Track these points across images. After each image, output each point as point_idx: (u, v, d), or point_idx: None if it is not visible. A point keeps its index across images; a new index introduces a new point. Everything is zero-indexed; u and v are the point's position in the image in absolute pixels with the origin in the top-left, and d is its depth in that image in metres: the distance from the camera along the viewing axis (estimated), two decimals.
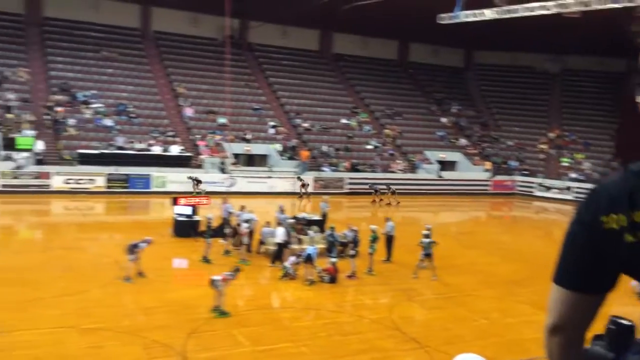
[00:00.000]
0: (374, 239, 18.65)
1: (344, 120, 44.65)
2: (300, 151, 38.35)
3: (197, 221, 21.54)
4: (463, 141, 47.73)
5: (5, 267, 16.60)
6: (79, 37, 41.21)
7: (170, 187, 31.71)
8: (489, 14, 31.67)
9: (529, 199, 42.08)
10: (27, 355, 10.89)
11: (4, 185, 28.80)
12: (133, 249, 15.83)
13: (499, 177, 43.92)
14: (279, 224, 19.79)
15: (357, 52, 52.52)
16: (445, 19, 33.47)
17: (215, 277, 13.90)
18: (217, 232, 21.02)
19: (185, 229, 21.25)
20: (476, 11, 31.98)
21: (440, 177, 41.69)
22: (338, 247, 18.18)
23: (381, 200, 34.50)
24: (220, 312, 13.67)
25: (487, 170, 44.23)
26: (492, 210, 38.35)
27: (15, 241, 21.46)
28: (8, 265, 16.87)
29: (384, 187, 35.10)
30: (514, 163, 46.11)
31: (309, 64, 49.57)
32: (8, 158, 29.70)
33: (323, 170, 38.02)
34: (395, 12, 39.00)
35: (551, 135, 48.89)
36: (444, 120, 49.80)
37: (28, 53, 38.82)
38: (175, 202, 21.66)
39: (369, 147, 42.74)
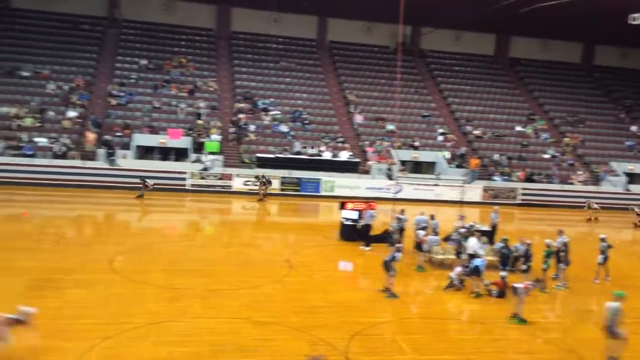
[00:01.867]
0: (549, 254, 17.53)
1: (518, 128, 42.57)
2: (469, 159, 37.28)
3: (364, 226, 21.89)
4: None
5: (193, 258, 18.37)
6: (261, 49, 44.26)
7: (338, 192, 32.66)
8: None
9: None
10: (208, 341, 11.93)
11: (192, 185, 31.84)
12: (389, 263, 15.67)
13: None
14: (460, 233, 19.37)
15: (536, 55, 49.89)
16: (638, 19, 30.42)
17: (517, 285, 14.27)
18: (382, 238, 21.24)
19: (351, 233, 21.73)
20: None
21: (628, 190, 37.89)
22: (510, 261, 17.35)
23: (596, 219, 32.10)
24: (519, 320, 14.07)
25: None
26: None
27: (201, 236, 23.58)
28: (195, 257, 18.63)
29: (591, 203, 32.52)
30: None
31: (483, 69, 48.09)
32: (197, 160, 32.78)
33: (493, 180, 36.58)
34: (580, 13, 36.37)
35: None
36: (633, 128, 45.22)
37: (217, 65, 42.56)
38: (342, 206, 22.24)
39: (546, 156, 40.24)
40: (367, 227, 21.44)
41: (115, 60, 39.90)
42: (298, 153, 34.81)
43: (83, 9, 41.77)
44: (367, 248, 20.80)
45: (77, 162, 30.60)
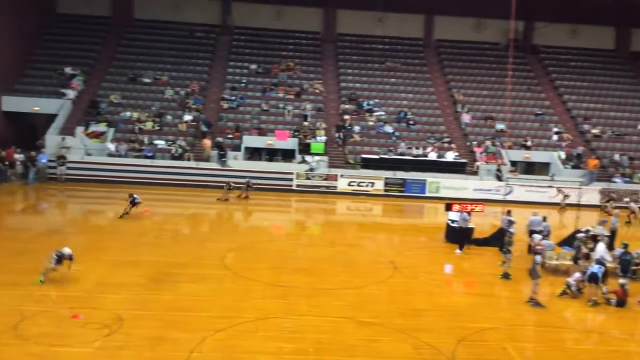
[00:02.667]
0: None
1: None
2: (586, 159, 35.15)
3: (471, 228, 21.34)
4: None
5: (298, 257, 18.81)
6: (366, 50, 44.31)
7: (443, 193, 32.01)
8: None
9: None
10: (312, 339, 12.17)
11: (297, 185, 32.53)
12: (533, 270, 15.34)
13: None
14: (579, 238, 18.47)
15: None
16: None
17: None
18: (490, 241, 20.60)
19: (458, 235, 21.22)
20: None
21: None
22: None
23: None
24: None
25: None
26: None
27: (308, 236, 24.04)
28: (301, 256, 19.08)
29: None
30: None
31: (602, 64, 45.13)
32: (303, 161, 33.46)
33: (614, 182, 34.23)
34: None
35: None
36: None
37: (323, 67, 43.18)
38: (449, 207, 21.76)
39: None
40: (463, 230, 20.56)
41: (227, 66, 41.66)
42: (402, 154, 34.51)
43: (198, 18, 43.93)
44: (459, 251, 20.08)
45: (192, 163, 32.28)
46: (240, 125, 35.59)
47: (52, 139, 32.29)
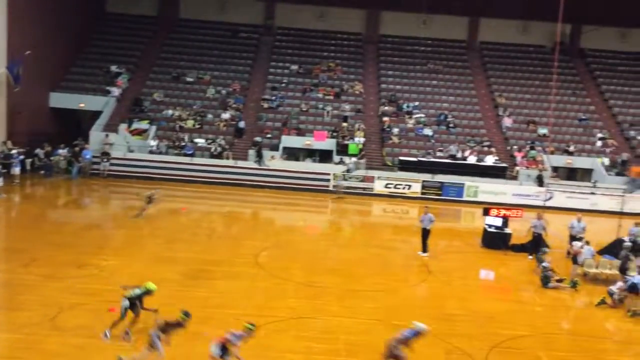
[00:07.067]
0: None
1: None
2: (630, 166, 34.11)
3: (509, 234, 21.01)
4: None
5: (331, 258, 18.86)
6: (409, 52, 44.07)
7: (481, 197, 31.55)
8: None
9: None
10: (343, 340, 12.20)
11: (334, 186, 32.56)
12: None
13: None
14: (626, 247, 18.08)
15: None
16: None
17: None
18: (527, 247, 20.25)
19: (495, 240, 20.92)
20: None
21: None
22: None
23: None
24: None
25: None
26: None
27: (342, 237, 24.10)
28: (334, 257, 19.11)
29: None
30: None
31: None
32: (340, 162, 33.48)
33: None
34: None
35: None
36: None
37: (364, 68, 43.11)
38: (486, 212, 21.48)
39: None
40: (426, 231, 19.72)
41: (268, 66, 42.03)
42: (453, 157, 34.19)
43: (241, 18, 44.43)
44: (424, 254, 19.46)
45: (230, 162, 32.69)
46: (280, 125, 35.86)
47: (96, 135, 33.19)
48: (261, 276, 16.12)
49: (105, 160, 31.77)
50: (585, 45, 45.13)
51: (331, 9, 44.31)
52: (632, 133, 38.02)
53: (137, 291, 11.65)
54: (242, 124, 35.33)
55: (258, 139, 34.32)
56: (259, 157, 32.92)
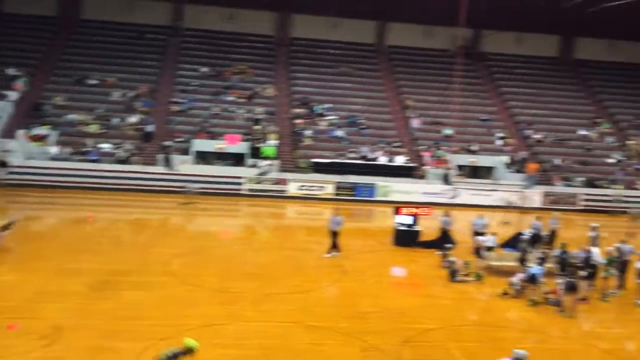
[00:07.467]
0: (610, 262, 16.89)
1: (582, 132, 41.06)
2: (528, 164, 36.25)
3: (418, 231, 21.70)
4: None
5: (246, 262, 18.66)
6: (320, 55, 44.57)
7: (393, 197, 32.40)
8: None
9: None
10: (259, 345, 12.10)
11: (249, 190, 32.32)
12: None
13: None
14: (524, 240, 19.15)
15: (604, 57, 47.91)
16: None
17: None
18: (435, 243, 20.99)
19: (406, 238, 21.53)
20: None
21: None
22: (569, 269, 16.77)
23: None
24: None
25: None
26: None
27: (256, 240, 23.91)
28: (249, 261, 18.92)
29: None
30: None
31: (546, 72, 46.63)
32: (253, 165, 33.28)
33: (554, 185, 35.41)
34: None
35: None
36: None
37: (276, 71, 43.12)
38: (396, 211, 22.07)
39: (610, 160, 38.63)
40: (333, 233, 19.79)
41: (177, 68, 41.11)
42: (364, 157, 34.80)
43: (148, 18, 43.22)
44: (330, 255, 19.55)
45: (138, 167, 31.65)
46: (191, 129, 35.15)
47: None
48: (173, 284, 15.68)
49: (1, 168, 29.82)
50: (486, 49, 47.47)
51: (241, 11, 44.00)
52: (529, 132, 40.37)
53: (174, 350, 9.35)
54: (150, 128, 34.34)
55: (168, 143, 33.47)
56: (167, 161, 32.05)
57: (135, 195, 29.96)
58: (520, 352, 9.57)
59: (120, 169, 31.21)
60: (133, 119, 35.19)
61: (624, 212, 32.23)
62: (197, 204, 28.38)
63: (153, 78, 39.53)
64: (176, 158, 32.52)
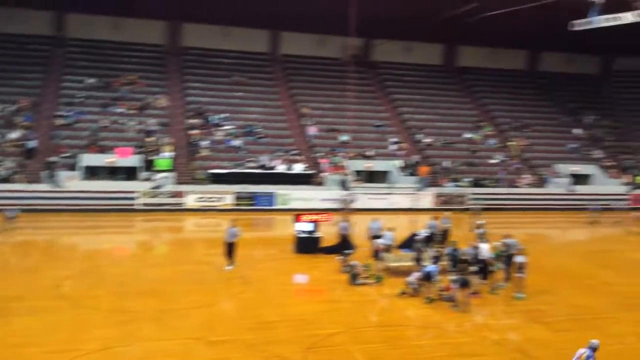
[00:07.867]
0: (498, 256, 17.97)
1: (467, 135, 43.50)
2: (420, 167, 37.86)
3: (318, 238, 21.99)
4: (598, 153, 44.50)
5: (143, 280, 18.02)
6: (213, 64, 44.08)
7: (293, 205, 32.63)
8: (629, 17, 29.14)
9: None
10: None
11: (144, 204, 31.26)
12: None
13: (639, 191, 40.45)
14: (419, 240, 19.98)
15: (484, 64, 51.24)
16: (579, 25, 31.35)
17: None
18: (335, 249, 21.37)
19: (307, 245, 21.75)
20: (614, 15, 29.62)
21: (571, 191, 39.09)
22: (461, 265, 17.66)
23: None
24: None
25: (626, 184, 40.95)
26: (632, 227, 35.13)
27: (152, 255, 23.16)
28: (146, 278, 18.27)
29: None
30: None
31: (433, 79, 49.06)
32: (148, 179, 32.24)
33: (444, 186, 37.23)
34: (525, 21, 37.48)
35: None
36: (576, 131, 46.82)
37: (168, 80, 42.12)
38: (297, 218, 22.25)
39: (493, 161, 41.22)
40: (230, 245, 19.50)
41: (62, 80, 39.04)
42: (263, 166, 34.78)
43: (29, 29, 40.86)
44: (230, 267, 19.26)
45: (22, 186, 29.67)
46: (78, 143, 33.49)
47: None
48: (65, 308, 14.82)
49: None
50: (376, 58, 49.10)
51: (127, 20, 42.65)
52: (419, 137, 42.17)
53: None
54: (32, 144, 32.34)
55: (53, 158, 31.65)
56: (53, 178, 30.30)
57: (19, 216, 27.97)
58: (594, 342, 10.28)
59: (2, 189, 29.11)
60: (14, 134, 32.99)
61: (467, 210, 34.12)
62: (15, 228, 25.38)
63: (35, 91, 37.38)
64: (63, 174, 30.82)
